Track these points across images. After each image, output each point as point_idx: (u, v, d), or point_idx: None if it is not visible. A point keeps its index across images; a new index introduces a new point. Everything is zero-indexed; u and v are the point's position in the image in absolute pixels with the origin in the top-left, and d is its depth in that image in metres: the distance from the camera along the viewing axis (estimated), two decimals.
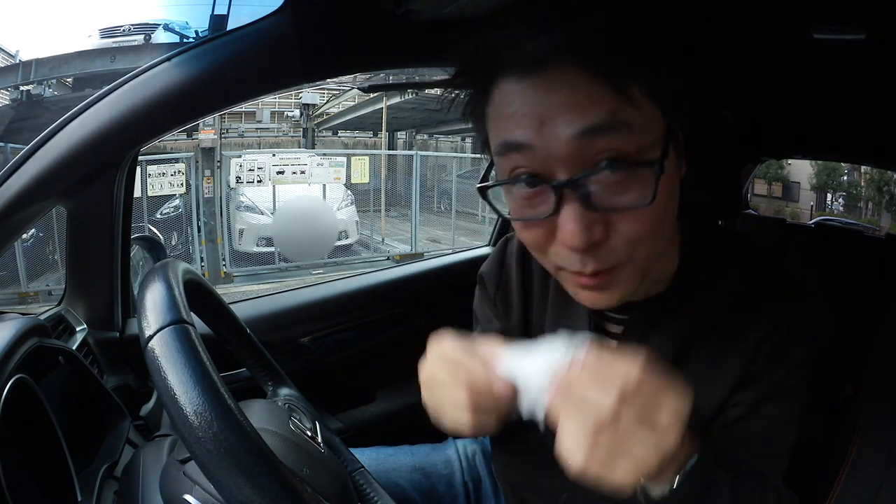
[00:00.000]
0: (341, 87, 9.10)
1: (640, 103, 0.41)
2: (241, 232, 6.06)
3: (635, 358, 0.39)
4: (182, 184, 5.46)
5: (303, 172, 6.07)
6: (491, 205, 0.47)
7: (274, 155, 6.27)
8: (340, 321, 1.16)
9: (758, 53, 0.95)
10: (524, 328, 0.63)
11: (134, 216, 0.93)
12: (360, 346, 1.18)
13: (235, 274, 5.85)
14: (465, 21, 0.77)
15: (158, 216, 5.56)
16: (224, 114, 8.42)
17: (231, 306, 0.66)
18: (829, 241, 1.39)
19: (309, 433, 0.60)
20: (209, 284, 0.62)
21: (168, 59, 0.73)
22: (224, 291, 3.41)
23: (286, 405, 0.66)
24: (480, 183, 0.47)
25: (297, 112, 10.23)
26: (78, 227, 0.86)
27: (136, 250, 0.99)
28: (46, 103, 6.36)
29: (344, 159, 6.42)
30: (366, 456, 0.77)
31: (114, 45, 6.38)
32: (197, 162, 6.05)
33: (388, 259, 6.62)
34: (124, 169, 0.86)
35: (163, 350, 0.41)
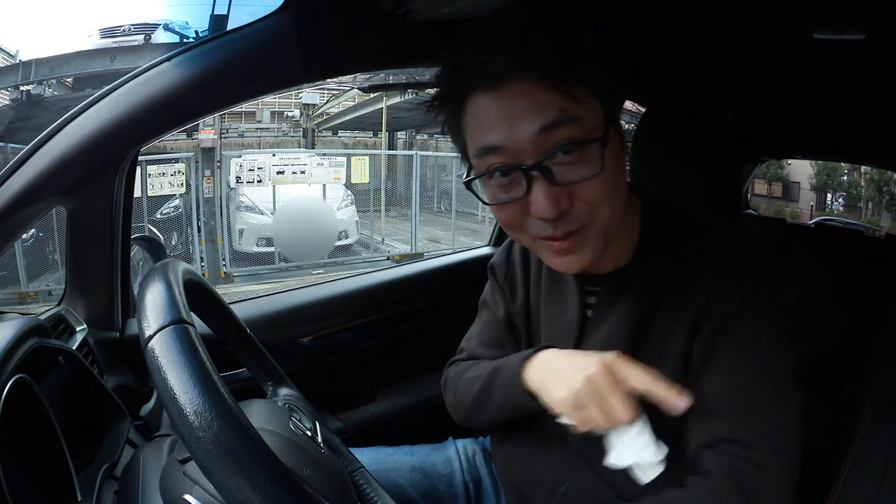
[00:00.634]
0: (341, 87, 9.11)
1: (583, 100, 0.51)
2: (241, 232, 6.06)
3: None
4: (182, 184, 5.46)
5: (303, 172, 6.07)
6: (475, 194, 0.58)
7: (274, 155, 6.28)
8: (340, 321, 1.16)
9: (758, 53, 0.95)
10: (527, 310, 0.72)
11: (134, 216, 0.93)
12: (360, 346, 1.18)
13: (235, 274, 5.86)
14: (464, 21, 0.77)
15: (158, 216, 5.57)
16: (224, 114, 8.43)
17: (231, 306, 0.66)
18: (829, 241, 1.39)
19: (309, 433, 0.60)
20: (209, 284, 0.62)
21: (168, 59, 0.73)
22: (224, 291, 3.41)
23: (286, 405, 0.66)
24: (465, 178, 0.58)
25: (297, 112, 10.24)
26: (78, 227, 0.86)
27: (136, 250, 0.99)
28: (46, 103, 6.36)
29: (344, 159, 6.43)
30: (366, 456, 0.77)
31: (114, 45, 6.38)
32: (197, 162, 6.05)
33: (388, 259, 6.63)
34: (124, 169, 0.86)
35: (163, 350, 0.41)
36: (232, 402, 0.40)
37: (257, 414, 0.57)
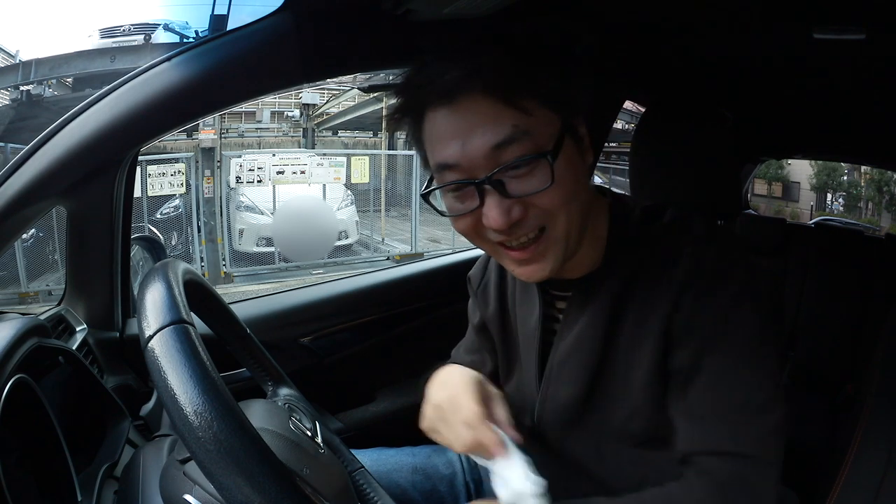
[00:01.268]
0: (341, 87, 9.11)
1: (535, 112, 0.51)
2: (241, 232, 6.06)
3: None
4: (182, 184, 5.46)
5: (303, 172, 6.07)
6: (433, 206, 0.58)
7: (274, 155, 6.27)
8: (340, 321, 1.16)
9: (758, 53, 0.95)
10: (501, 317, 0.73)
11: (134, 216, 0.93)
12: (360, 346, 1.18)
13: (235, 274, 5.85)
14: (464, 21, 0.77)
15: (158, 216, 5.56)
16: (224, 114, 8.43)
17: (231, 306, 0.66)
18: (829, 241, 1.39)
19: (309, 433, 0.60)
20: (209, 284, 0.62)
21: (168, 59, 0.73)
22: (224, 291, 3.41)
23: (286, 405, 0.66)
24: (423, 190, 0.58)
25: (297, 112, 10.22)
26: (78, 227, 0.86)
27: (136, 250, 0.99)
28: (46, 103, 6.36)
29: (344, 159, 6.42)
30: (367, 457, 0.77)
31: (114, 45, 6.38)
32: (197, 162, 6.05)
33: (388, 259, 6.62)
34: (124, 169, 0.86)
35: (163, 350, 0.41)
36: (232, 402, 0.40)
37: (257, 414, 0.57)
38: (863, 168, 8.07)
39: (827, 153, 2.09)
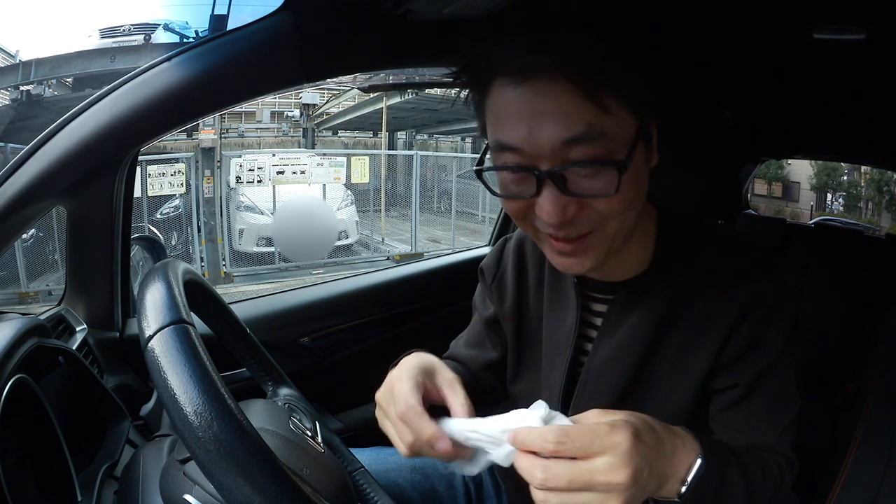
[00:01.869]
0: (341, 87, 9.11)
1: (615, 112, 0.47)
2: (241, 232, 6.06)
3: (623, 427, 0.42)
4: (182, 184, 5.46)
5: (303, 172, 6.07)
6: (485, 184, 0.55)
7: (274, 155, 6.27)
8: (340, 321, 1.16)
9: (758, 53, 0.95)
10: (518, 313, 0.70)
11: (134, 216, 0.93)
12: (360, 346, 1.18)
13: (235, 274, 5.85)
14: (464, 21, 0.77)
15: (158, 216, 5.56)
16: (224, 114, 8.43)
17: (231, 306, 0.66)
18: (829, 241, 1.39)
19: (309, 433, 0.60)
20: (209, 284, 0.62)
21: (168, 59, 0.73)
22: (224, 291, 3.41)
23: (286, 405, 0.66)
24: (477, 166, 0.55)
25: (297, 112, 10.22)
26: (78, 227, 0.86)
27: (136, 250, 0.99)
28: (46, 103, 6.36)
29: (344, 159, 6.42)
30: (365, 456, 0.77)
31: (114, 45, 6.37)
32: (197, 162, 6.05)
33: (388, 259, 6.62)
34: (124, 169, 0.86)
35: (163, 350, 0.41)
36: (232, 402, 0.40)
37: (257, 414, 0.57)
38: (863, 168, 8.07)
39: (827, 153, 2.09)
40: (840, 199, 10.27)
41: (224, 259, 5.95)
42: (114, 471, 0.63)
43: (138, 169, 1.23)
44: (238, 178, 5.89)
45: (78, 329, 0.85)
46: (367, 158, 6.76)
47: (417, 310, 1.24)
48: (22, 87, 6.46)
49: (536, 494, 0.42)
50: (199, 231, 5.76)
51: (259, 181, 5.92)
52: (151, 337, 0.42)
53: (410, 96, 8.31)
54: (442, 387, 0.52)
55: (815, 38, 0.76)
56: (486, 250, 1.45)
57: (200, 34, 6.49)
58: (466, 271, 0.79)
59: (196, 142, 6.84)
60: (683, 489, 0.46)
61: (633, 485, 0.41)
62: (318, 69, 0.79)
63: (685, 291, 0.57)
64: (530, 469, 0.42)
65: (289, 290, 1.22)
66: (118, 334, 0.92)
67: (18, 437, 0.56)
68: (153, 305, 0.44)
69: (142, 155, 1.73)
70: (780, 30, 0.81)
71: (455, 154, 10.25)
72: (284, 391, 0.71)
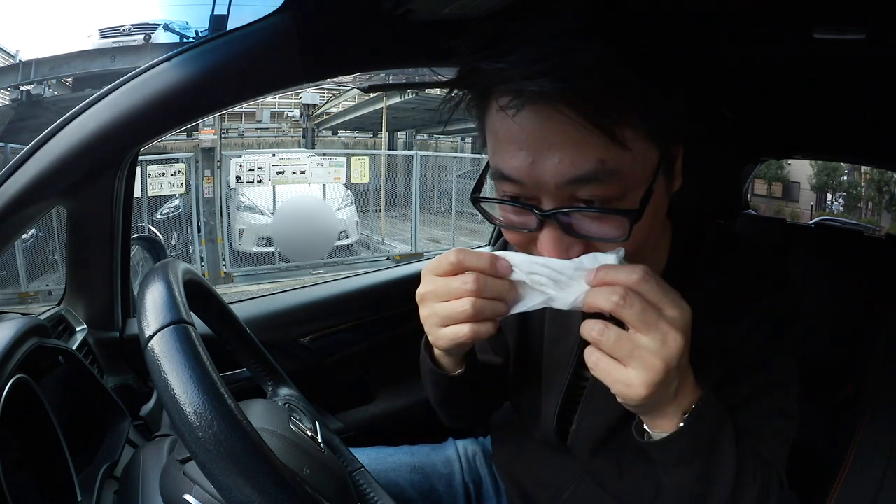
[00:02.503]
0: (341, 87, 9.11)
1: (631, 143, 0.42)
2: (241, 232, 6.06)
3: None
4: (182, 184, 5.46)
5: (303, 172, 6.07)
6: (482, 211, 0.51)
7: (274, 155, 6.27)
8: (340, 321, 1.16)
9: (758, 53, 0.95)
10: (520, 322, 0.68)
11: (134, 216, 0.93)
12: (360, 346, 1.18)
13: (235, 274, 5.85)
14: (464, 21, 0.77)
15: (158, 216, 5.56)
16: (224, 114, 8.42)
17: (231, 306, 0.66)
18: (829, 241, 1.39)
19: (309, 433, 0.60)
20: (209, 284, 0.62)
21: (168, 59, 0.73)
22: (224, 291, 3.40)
23: (286, 405, 0.66)
24: (473, 192, 0.51)
25: (297, 112, 10.23)
26: (78, 227, 0.86)
27: (136, 250, 0.99)
28: (46, 103, 6.35)
29: (344, 159, 6.42)
30: (365, 456, 0.77)
31: (114, 45, 6.37)
32: (197, 162, 6.04)
33: (388, 259, 6.62)
34: (124, 169, 0.86)
35: (163, 350, 0.41)
36: (232, 403, 0.40)
37: (257, 414, 0.57)
38: (863, 168, 8.07)
39: (827, 153, 2.09)
40: (840, 199, 10.27)
41: (224, 259, 5.95)
42: (114, 471, 0.63)
43: (138, 169, 1.23)
44: (238, 178, 5.89)
45: (78, 329, 0.85)
46: (367, 158, 6.76)
47: (417, 310, 1.24)
48: (22, 87, 6.45)
49: (590, 353, 0.42)
50: (199, 231, 5.76)
51: (259, 181, 5.92)
52: (151, 337, 0.42)
53: (410, 96, 8.31)
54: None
55: (815, 38, 0.76)
56: (487, 250, 1.45)
57: (200, 34, 6.48)
58: None
59: (196, 142, 6.84)
60: (684, 419, 0.45)
61: (676, 357, 0.41)
62: (318, 69, 0.79)
63: (697, 305, 0.55)
64: (607, 297, 0.40)
65: (289, 290, 1.22)
66: (118, 334, 0.92)
67: (18, 437, 0.56)
68: (153, 305, 0.44)
69: (142, 155, 1.73)
70: (780, 30, 0.81)
71: (455, 154, 10.25)
72: (284, 391, 0.71)
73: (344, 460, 0.67)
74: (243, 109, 10.39)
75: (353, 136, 11.81)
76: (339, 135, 11.63)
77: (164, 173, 5.33)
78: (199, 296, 0.59)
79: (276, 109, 10.72)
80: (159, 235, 5.03)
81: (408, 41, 0.82)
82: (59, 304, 0.90)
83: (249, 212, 6.13)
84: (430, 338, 0.51)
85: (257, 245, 6.00)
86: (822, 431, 1.10)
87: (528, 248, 0.49)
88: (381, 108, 9.22)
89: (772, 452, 0.55)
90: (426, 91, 7.39)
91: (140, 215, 4.82)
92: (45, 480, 0.57)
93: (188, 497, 0.47)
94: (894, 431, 0.83)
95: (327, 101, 10.20)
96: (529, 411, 0.67)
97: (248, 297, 1.20)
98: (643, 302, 0.41)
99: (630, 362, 0.41)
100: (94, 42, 6.64)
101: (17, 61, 7.01)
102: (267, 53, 0.74)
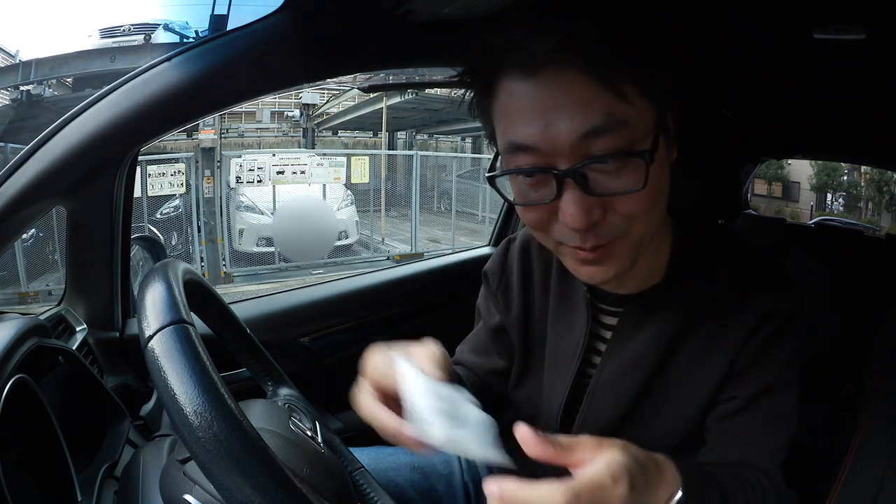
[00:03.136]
0: (341, 87, 9.11)
1: (633, 100, 0.44)
2: (241, 232, 6.06)
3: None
4: (182, 184, 5.46)
5: (303, 172, 6.07)
6: (499, 192, 0.51)
7: (274, 155, 6.27)
8: (340, 321, 1.16)
9: (758, 53, 0.95)
10: (524, 321, 0.67)
11: (134, 216, 0.93)
12: (360, 346, 1.17)
13: (235, 274, 5.85)
14: (464, 21, 0.77)
15: (158, 216, 5.56)
16: (224, 114, 8.43)
17: (231, 306, 0.66)
18: (829, 241, 1.39)
19: (309, 433, 0.60)
20: (209, 284, 0.62)
21: (168, 59, 0.73)
22: (224, 291, 3.40)
23: (286, 405, 0.66)
24: (489, 172, 0.51)
25: (297, 112, 10.23)
26: (78, 227, 0.86)
27: (136, 250, 0.99)
28: (46, 103, 6.36)
29: (344, 159, 6.43)
30: (365, 455, 0.77)
31: (114, 45, 6.37)
32: (197, 162, 6.05)
33: (388, 259, 6.62)
34: (124, 169, 0.86)
35: (163, 350, 0.41)
36: (232, 403, 0.40)
37: (257, 414, 0.57)
38: (863, 168, 8.07)
39: (827, 153, 2.09)
40: (840, 199, 10.27)
41: (224, 259, 5.95)
42: (114, 471, 0.63)
43: (138, 169, 1.23)
44: (238, 178, 5.90)
45: (78, 329, 0.85)
46: (367, 158, 6.77)
47: (417, 310, 1.24)
48: (22, 87, 6.45)
49: None
50: (199, 231, 5.76)
51: (259, 181, 5.92)
52: (151, 337, 0.42)
53: (410, 96, 8.31)
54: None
55: (815, 38, 0.76)
56: (486, 250, 1.45)
57: (200, 34, 6.48)
58: (466, 271, 0.79)
59: (196, 142, 6.84)
60: None
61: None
62: (318, 69, 0.79)
63: (699, 304, 0.55)
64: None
65: (289, 290, 1.22)
66: (118, 334, 0.92)
67: (18, 437, 0.56)
68: (153, 305, 0.44)
69: (142, 155, 1.73)
70: (780, 30, 0.81)
71: (455, 154, 10.26)
72: (284, 391, 0.71)
73: (344, 460, 0.67)
74: (243, 109, 10.38)
75: (353, 136, 11.81)
76: (339, 135, 11.63)
77: (164, 173, 5.33)
78: (199, 296, 0.59)
79: (276, 109, 10.71)
80: (159, 235, 5.03)
81: (408, 41, 0.82)
82: (59, 304, 0.90)
83: (249, 212, 6.14)
84: None
85: (257, 245, 6.00)
86: (822, 431, 1.10)
87: (549, 223, 0.49)
88: (381, 108, 9.22)
89: (768, 457, 0.55)
90: (426, 91, 7.40)
91: (140, 215, 4.82)
92: (45, 480, 0.57)
93: (188, 497, 0.47)
94: (894, 432, 0.83)
95: (327, 101, 10.19)
96: (532, 410, 0.67)
97: (248, 297, 1.20)
98: None
99: None
100: (94, 42, 6.65)
101: (17, 61, 7.01)
102: (267, 53, 0.74)
